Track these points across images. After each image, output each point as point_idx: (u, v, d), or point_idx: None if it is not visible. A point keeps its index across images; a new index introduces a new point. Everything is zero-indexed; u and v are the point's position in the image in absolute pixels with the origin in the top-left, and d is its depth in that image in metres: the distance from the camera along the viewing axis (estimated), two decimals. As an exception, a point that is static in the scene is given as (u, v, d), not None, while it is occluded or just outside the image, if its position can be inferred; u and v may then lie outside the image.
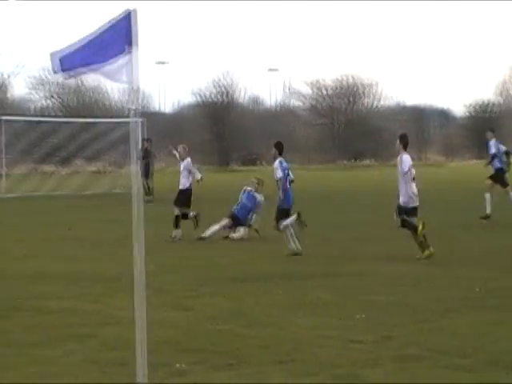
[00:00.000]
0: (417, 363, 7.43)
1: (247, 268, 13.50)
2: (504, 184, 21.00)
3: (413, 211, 14.39)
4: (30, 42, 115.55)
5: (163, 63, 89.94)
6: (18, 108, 70.30)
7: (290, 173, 15.74)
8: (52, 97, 71.14)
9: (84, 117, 55.56)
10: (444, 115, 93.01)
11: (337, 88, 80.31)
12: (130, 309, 9.56)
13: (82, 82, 68.97)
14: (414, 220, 14.35)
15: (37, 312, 9.94)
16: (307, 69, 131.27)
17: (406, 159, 14.44)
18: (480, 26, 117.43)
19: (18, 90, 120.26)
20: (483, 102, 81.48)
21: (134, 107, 6.60)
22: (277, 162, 15.47)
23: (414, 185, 14.49)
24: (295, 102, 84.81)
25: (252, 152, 75.14)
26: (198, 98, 76.00)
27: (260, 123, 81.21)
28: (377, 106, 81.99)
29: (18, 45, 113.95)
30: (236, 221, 18.31)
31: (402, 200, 14.36)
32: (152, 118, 69.66)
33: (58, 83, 70.12)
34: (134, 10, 6.26)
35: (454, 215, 23.22)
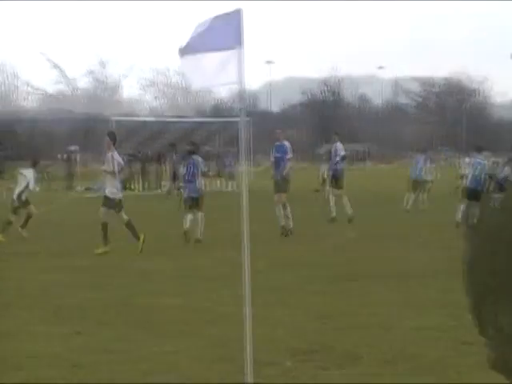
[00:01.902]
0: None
1: (352, 267, 13.42)
2: (334, 185, 22.25)
3: (119, 203, 16.24)
4: (142, 44, 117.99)
5: (271, 62, 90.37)
6: (132, 108, 71.67)
7: None
8: (163, 96, 72.21)
9: (182, 116, 56.17)
10: None
11: (448, 85, 79.11)
12: (236, 306, 9.63)
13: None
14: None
15: (146, 309, 10.11)
16: (416, 66, 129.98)
17: (117, 157, 16.26)
18: None
19: (132, 90, 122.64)
20: None
21: (241, 106, 6.61)
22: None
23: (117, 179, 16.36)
24: (404, 100, 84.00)
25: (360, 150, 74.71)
26: (308, 97, 75.96)
27: (368, 121, 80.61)
28: (492, 103, 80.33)
29: (130, 46, 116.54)
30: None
31: (109, 192, 16.21)
32: (260, 118, 70.09)
33: (166, 84, 71.19)
34: (241, 10, 6.29)
35: None
